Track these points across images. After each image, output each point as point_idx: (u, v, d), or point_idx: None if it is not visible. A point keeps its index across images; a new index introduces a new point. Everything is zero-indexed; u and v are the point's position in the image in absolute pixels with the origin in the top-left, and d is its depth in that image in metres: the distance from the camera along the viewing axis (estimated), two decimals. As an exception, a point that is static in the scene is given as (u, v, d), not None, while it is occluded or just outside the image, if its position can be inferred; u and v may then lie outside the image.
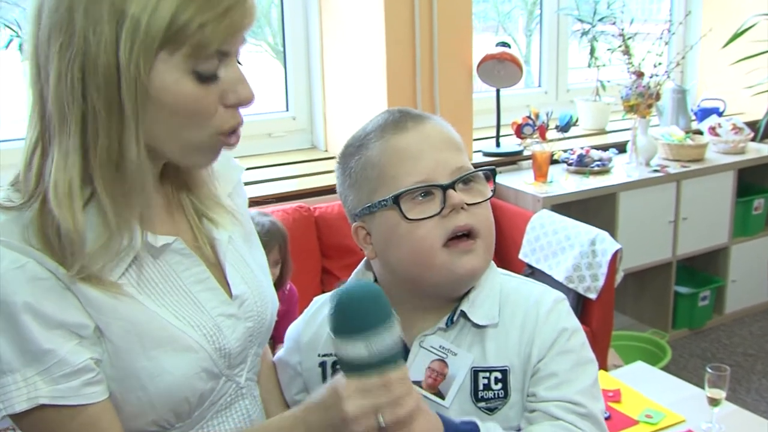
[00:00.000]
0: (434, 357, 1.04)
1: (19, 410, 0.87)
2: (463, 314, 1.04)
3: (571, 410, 0.99)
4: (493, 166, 1.08)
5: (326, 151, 3.34)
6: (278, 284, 2.23)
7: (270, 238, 2.11)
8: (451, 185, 1.00)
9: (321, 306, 1.16)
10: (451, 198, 1.00)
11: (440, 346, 1.04)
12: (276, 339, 1.25)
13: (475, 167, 1.06)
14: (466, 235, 1.01)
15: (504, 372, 1.02)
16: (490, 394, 1.01)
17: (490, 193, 1.05)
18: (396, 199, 1.01)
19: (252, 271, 1.08)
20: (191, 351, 0.96)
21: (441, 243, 1.00)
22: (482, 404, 1.01)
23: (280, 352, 1.20)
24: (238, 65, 0.93)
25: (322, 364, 1.10)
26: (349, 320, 0.88)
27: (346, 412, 0.87)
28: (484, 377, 1.02)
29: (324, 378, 1.09)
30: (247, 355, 1.06)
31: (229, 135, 0.95)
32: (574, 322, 1.06)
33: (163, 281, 0.97)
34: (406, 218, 1.00)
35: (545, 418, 1.00)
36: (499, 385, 1.02)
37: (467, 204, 1.01)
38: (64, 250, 0.88)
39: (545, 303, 1.05)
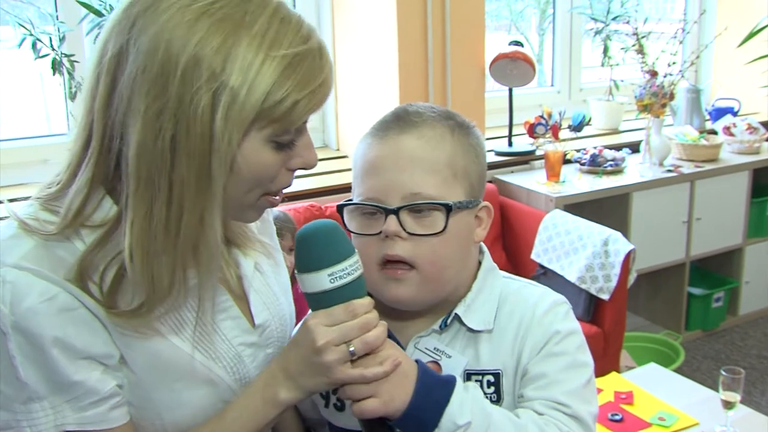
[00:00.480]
0: (428, 359, 1.03)
1: None
2: (458, 317, 1.03)
3: (555, 408, 0.98)
4: (450, 202, 0.99)
5: (338, 150, 3.33)
6: (292, 279, 2.23)
7: (281, 225, 2.13)
8: (395, 211, 0.98)
9: None
10: (387, 224, 0.98)
11: (434, 348, 1.03)
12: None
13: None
14: (402, 261, 0.99)
15: (497, 375, 1.01)
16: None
17: (441, 228, 0.99)
18: (340, 209, 1.03)
19: (275, 295, 1.09)
20: (212, 385, 0.97)
21: (376, 262, 1.00)
22: None
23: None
24: (307, 130, 0.93)
25: None
26: (311, 253, 0.91)
27: (316, 341, 0.88)
28: (476, 380, 1.01)
29: None
30: None
31: (276, 195, 0.95)
32: (571, 325, 1.04)
33: (188, 313, 0.96)
34: (347, 229, 1.00)
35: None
36: (492, 389, 1.01)
37: (412, 233, 0.98)
38: (116, 301, 0.87)
39: (542, 305, 1.04)
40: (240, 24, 0.83)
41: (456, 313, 1.03)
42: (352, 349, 0.89)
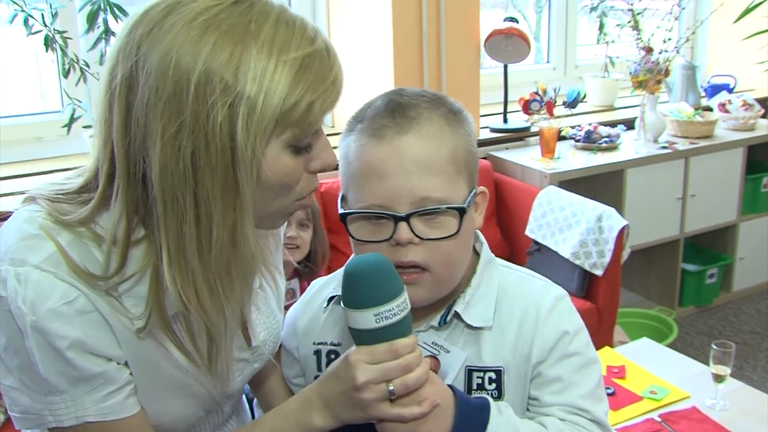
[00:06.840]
0: (426, 353, 1.02)
1: (67, 425, 0.90)
2: (457, 314, 1.02)
3: (575, 413, 1.00)
4: (463, 206, 0.97)
5: (333, 126, 3.32)
6: (314, 267, 2.24)
7: None
8: (406, 218, 0.94)
9: (318, 290, 1.15)
10: (399, 232, 0.94)
11: (433, 343, 1.02)
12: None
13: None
14: (415, 266, 0.97)
15: (498, 372, 1.01)
16: (484, 394, 1.01)
17: (454, 231, 0.96)
18: (343, 217, 0.99)
19: (273, 313, 1.10)
20: (198, 397, 0.99)
21: None
22: None
23: (282, 332, 1.20)
24: (324, 131, 0.93)
25: (317, 353, 1.10)
26: (358, 291, 0.90)
27: (357, 379, 0.89)
28: (478, 377, 1.01)
29: (319, 366, 1.10)
30: (243, 387, 1.12)
31: (305, 198, 0.95)
32: (576, 321, 1.04)
33: (186, 325, 0.96)
34: (353, 237, 0.98)
35: None
36: (493, 386, 1.01)
37: (425, 238, 0.95)
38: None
39: (546, 301, 1.02)
40: (246, 33, 0.82)
41: (455, 311, 1.02)
42: (391, 388, 0.89)
